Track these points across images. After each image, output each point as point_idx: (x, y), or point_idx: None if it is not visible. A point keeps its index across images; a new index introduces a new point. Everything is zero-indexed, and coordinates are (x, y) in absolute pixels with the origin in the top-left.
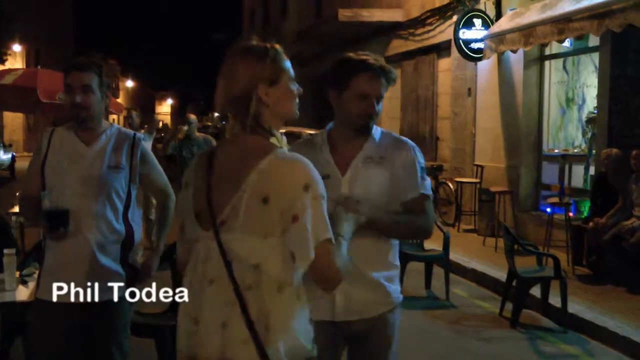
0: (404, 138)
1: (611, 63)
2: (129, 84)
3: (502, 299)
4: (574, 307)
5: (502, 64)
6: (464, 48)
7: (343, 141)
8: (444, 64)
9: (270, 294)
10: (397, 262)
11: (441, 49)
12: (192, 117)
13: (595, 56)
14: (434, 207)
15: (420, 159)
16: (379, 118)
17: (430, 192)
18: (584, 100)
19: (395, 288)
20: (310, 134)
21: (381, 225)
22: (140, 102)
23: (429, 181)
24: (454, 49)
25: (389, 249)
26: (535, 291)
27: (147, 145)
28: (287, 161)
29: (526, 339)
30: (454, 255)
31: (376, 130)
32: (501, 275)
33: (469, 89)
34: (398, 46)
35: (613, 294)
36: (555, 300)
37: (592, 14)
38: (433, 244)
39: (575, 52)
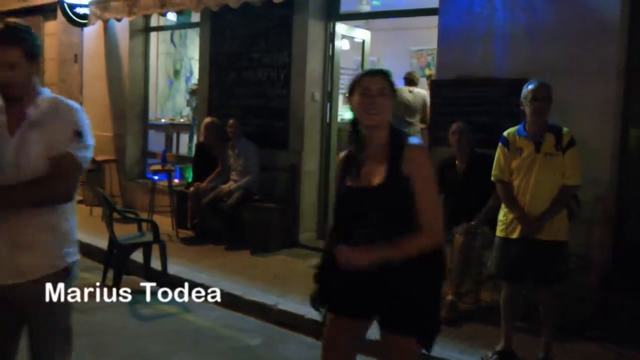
0: None
1: (210, 39)
2: None
3: (104, 268)
4: (174, 268)
5: (108, 32)
6: (69, 12)
7: None
8: (50, 27)
9: None
10: None
11: (47, 11)
12: None
13: (198, 31)
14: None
15: None
16: None
17: None
18: (191, 73)
19: None
20: None
21: None
22: None
23: None
24: (60, 12)
25: None
26: (139, 257)
27: None
28: None
29: (126, 305)
30: None
31: None
32: (105, 244)
33: (76, 56)
34: (1, 3)
35: (213, 252)
36: (157, 263)
37: None
38: None
39: (179, 26)
